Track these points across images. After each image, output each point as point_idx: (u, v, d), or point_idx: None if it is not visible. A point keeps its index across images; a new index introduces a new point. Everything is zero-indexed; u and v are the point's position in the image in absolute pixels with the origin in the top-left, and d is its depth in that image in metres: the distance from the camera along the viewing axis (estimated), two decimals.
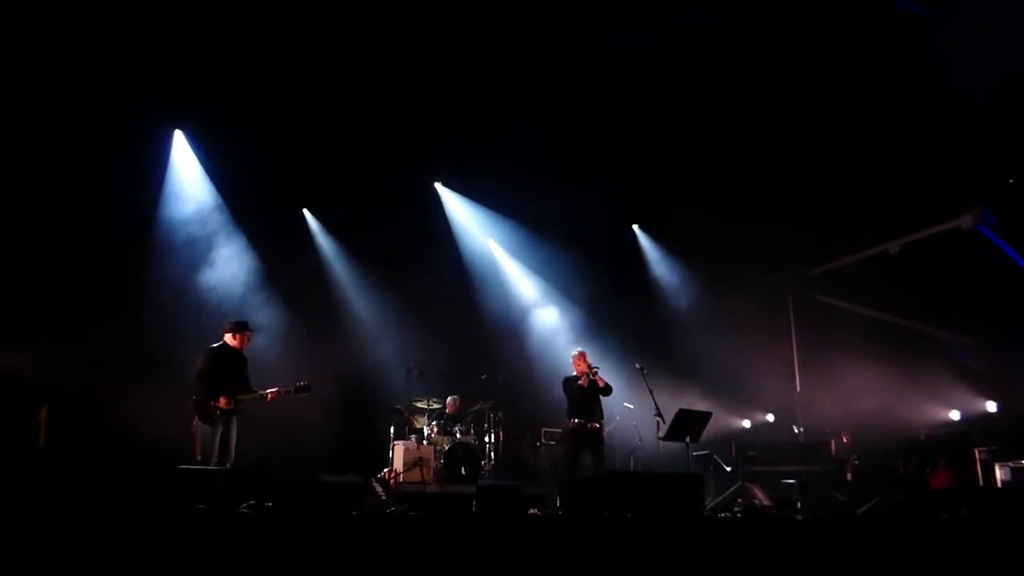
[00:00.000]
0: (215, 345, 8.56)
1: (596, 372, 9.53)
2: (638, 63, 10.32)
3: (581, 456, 9.58)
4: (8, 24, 9.16)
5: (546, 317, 14.41)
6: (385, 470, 10.71)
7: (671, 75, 10.50)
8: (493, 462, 11.62)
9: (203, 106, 10.99)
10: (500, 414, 11.91)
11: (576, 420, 9.53)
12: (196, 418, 8.19)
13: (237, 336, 8.59)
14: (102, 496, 5.55)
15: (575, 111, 11.34)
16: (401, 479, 10.35)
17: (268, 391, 8.39)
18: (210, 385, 8.21)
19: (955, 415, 12.94)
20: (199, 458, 8.01)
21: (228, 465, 8.15)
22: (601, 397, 9.66)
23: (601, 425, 9.64)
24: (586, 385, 9.45)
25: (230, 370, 8.40)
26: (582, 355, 9.80)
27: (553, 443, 12.47)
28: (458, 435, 11.36)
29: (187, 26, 9.66)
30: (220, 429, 8.18)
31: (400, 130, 11.57)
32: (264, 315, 11.79)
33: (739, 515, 8.65)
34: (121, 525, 4.88)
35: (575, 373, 9.77)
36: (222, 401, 8.17)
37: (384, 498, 9.30)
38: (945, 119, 10.46)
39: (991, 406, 12.68)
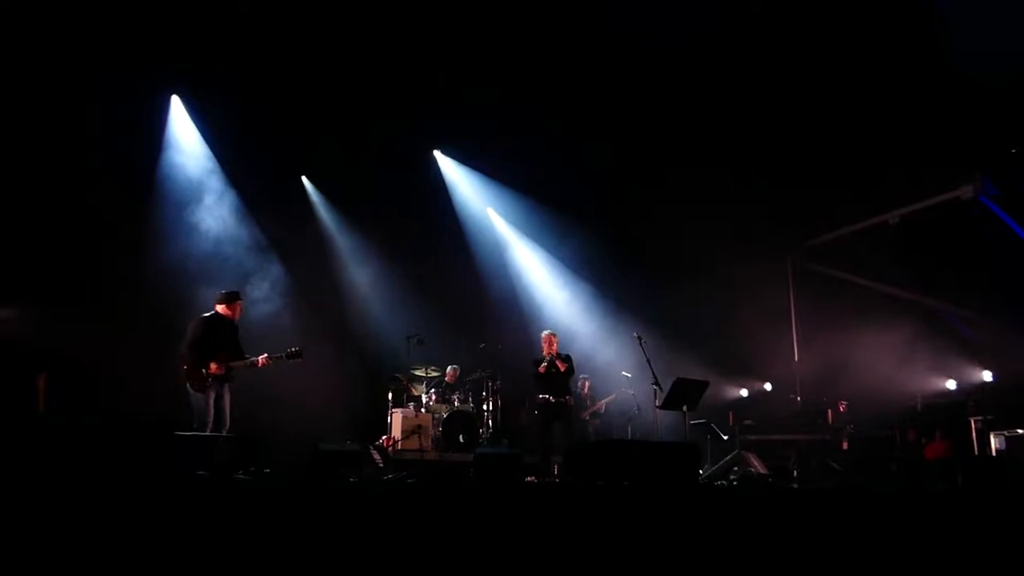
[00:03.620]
0: (206, 315, 8.59)
1: (558, 359, 10.13)
2: (634, 39, 10.25)
3: (552, 428, 10.15)
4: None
5: (545, 286, 14.41)
6: (383, 437, 10.77)
7: (668, 49, 10.40)
8: (491, 430, 11.69)
9: (200, 72, 10.90)
10: (498, 383, 11.95)
11: (543, 396, 10.16)
12: (189, 387, 8.25)
13: (228, 306, 8.62)
14: (101, 463, 5.59)
15: (572, 85, 11.29)
16: (399, 447, 10.42)
17: (259, 357, 8.42)
18: (200, 353, 8.26)
19: (951, 385, 12.97)
20: (194, 426, 8.06)
21: (224, 432, 8.18)
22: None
23: (568, 399, 10.25)
24: (543, 372, 10.05)
25: (221, 338, 8.43)
26: (548, 338, 10.36)
27: None
28: (456, 403, 11.42)
29: None
30: (213, 396, 8.24)
31: (399, 97, 11.46)
32: (263, 283, 11.80)
33: (735, 483, 8.73)
34: (120, 492, 4.91)
35: (543, 354, 10.28)
36: (213, 367, 8.22)
37: (382, 465, 9.38)
38: (946, 88, 10.36)
39: (987, 376, 12.71)
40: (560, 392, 10.13)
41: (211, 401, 8.21)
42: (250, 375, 8.74)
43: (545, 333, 10.49)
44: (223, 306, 8.60)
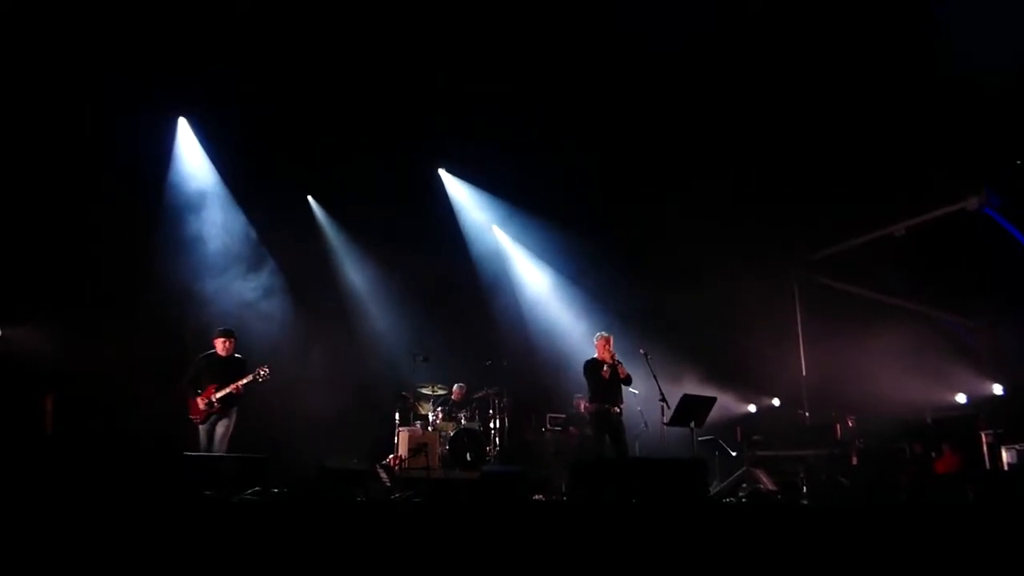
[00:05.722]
0: (203, 354, 9.22)
1: (619, 364, 9.59)
2: (634, 45, 10.26)
3: (605, 439, 9.64)
4: (27, 17, 9.28)
5: (551, 303, 14.39)
6: (390, 456, 10.74)
7: (670, 57, 10.41)
8: (498, 448, 11.64)
9: (207, 94, 10.97)
10: (505, 400, 11.91)
11: (598, 404, 9.63)
12: (192, 418, 8.90)
13: (218, 342, 9.22)
14: (107, 482, 5.59)
15: (576, 98, 11.33)
16: (406, 465, 10.37)
17: (230, 387, 8.91)
18: (194, 389, 8.97)
19: (961, 398, 12.88)
20: None
21: None
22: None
23: (621, 409, 9.72)
24: (607, 377, 9.49)
25: (213, 374, 9.01)
26: (606, 340, 9.76)
27: (558, 428, 12.51)
28: (463, 421, 11.38)
29: (192, 15, 9.67)
30: (209, 428, 8.89)
31: (403, 116, 11.51)
32: (270, 303, 11.83)
33: (744, 500, 8.68)
34: (127, 511, 4.90)
35: (596, 356, 9.79)
36: (200, 400, 8.85)
37: (388, 484, 9.35)
38: (950, 100, 10.36)
39: (997, 389, 12.63)
40: (617, 400, 9.65)
41: (210, 432, 8.88)
42: (256, 397, 9.17)
43: (602, 336, 9.82)
44: (216, 342, 9.23)
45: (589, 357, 9.95)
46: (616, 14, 9.87)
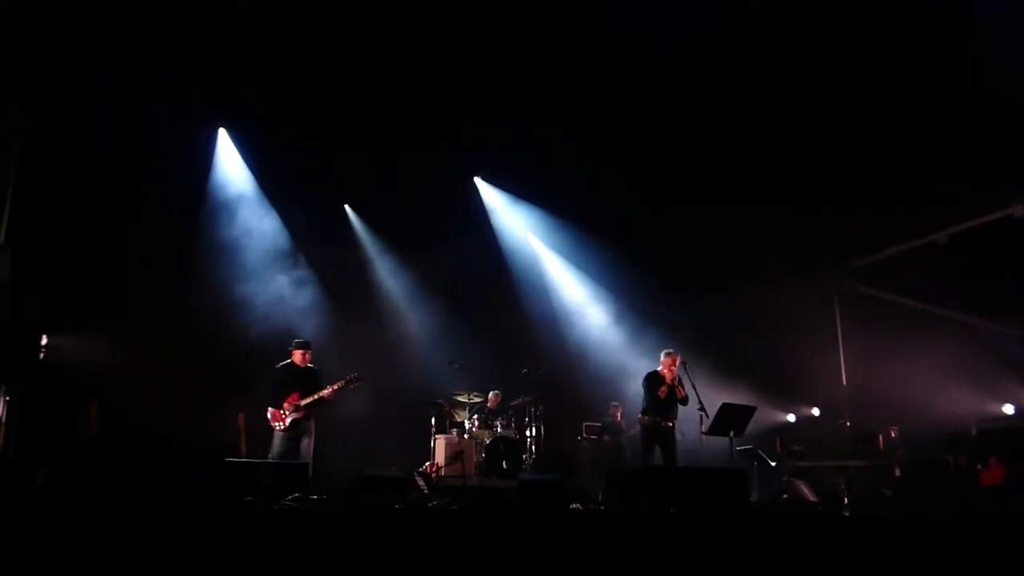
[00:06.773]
0: (282, 363, 9.46)
1: (679, 387, 9.73)
2: (671, 53, 10.22)
3: (655, 451, 9.73)
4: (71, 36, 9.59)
5: (587, 311, 14.35)
6: (427, 464, 10.76)
7: (702, 63, 10.36)
8: (534, 456, 11.61)
9: (246, 105, 11.15)
10: (541, 408, 11.88)
11: (651, 417, 9.74)
12: (273, 426, 9.14)
13: (296, 354, 9.50)
14: (150, 485, 5.67)
15: (615, 109, 11.34)
16: (442, 473, 10.39)
17: (323, 392, 9.14)
18: (276, 397, 9.18)
19: (1008, 409, 12.59)
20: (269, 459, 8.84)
21: None
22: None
23: (674, 424, 9.84)
24: (663, 396, 9.64)
25: (294, 383, 9.24)
26: (672, 360, 9.86)
27: (594, 437, 12.45)
28: (499, 429, 11.37)
29: (230, 28, 9.85)
30: (291, 436, 9.08)
31: (440, 125, 11.58)
32: (308, 312, 11.95)
33: (784, 510, 8.56)
34: (168, 514, 4.97)
35: (659, 370, 9.89)
36: (285, 407, 9.06)
37: (426, 492, 9.37)
38: (994, 105, 10.17)
39: None
40: (671, 415, 9.77)
41: (289, 440, 9.07)
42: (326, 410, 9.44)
43: (669, 353, 9.91)
44: (293, 352, 9.49)
45: (652, 369, 10.05)
46: (616, 14, 9.85)
